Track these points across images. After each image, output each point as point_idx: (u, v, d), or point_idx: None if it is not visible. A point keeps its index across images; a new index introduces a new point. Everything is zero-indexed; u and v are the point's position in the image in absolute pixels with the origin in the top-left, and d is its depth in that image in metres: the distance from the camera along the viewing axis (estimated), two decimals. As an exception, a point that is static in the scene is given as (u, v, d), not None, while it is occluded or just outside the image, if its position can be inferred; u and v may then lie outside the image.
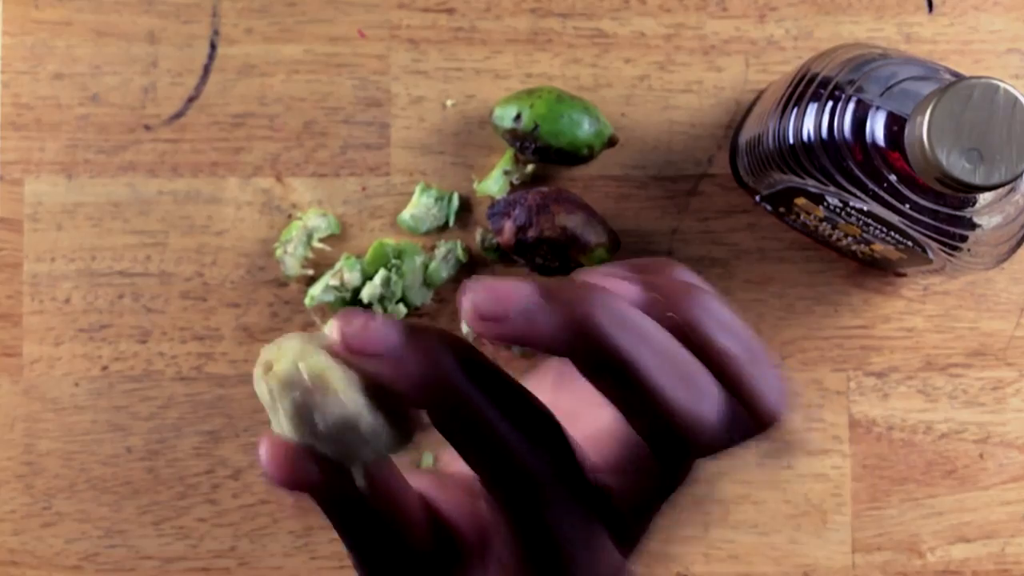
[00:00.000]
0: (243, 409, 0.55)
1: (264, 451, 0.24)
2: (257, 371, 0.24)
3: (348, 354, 0.23)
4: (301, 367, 0.23)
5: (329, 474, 0.24)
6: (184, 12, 0.56)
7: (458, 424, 0.24)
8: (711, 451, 0.26)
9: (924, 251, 0.44)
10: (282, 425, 0.24)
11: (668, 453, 0.26)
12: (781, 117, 0.45)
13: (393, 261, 0.54)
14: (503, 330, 0.23)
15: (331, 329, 0.24)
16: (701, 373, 0.25)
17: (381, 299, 0.54)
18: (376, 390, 0.24)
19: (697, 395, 0.24)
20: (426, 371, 0.23)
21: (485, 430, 0.24)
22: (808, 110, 0.43)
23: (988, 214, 0.42)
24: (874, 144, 0.41)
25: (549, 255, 0.52)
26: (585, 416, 0.28)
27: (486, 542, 0.28)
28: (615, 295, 0.24)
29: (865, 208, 0.43)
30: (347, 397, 0.24)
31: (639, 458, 0.26)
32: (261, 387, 0.24)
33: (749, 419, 0.26)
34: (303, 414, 0.24)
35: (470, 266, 0.55)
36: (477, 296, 0.23)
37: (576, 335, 0.23)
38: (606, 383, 0.24)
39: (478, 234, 0.55)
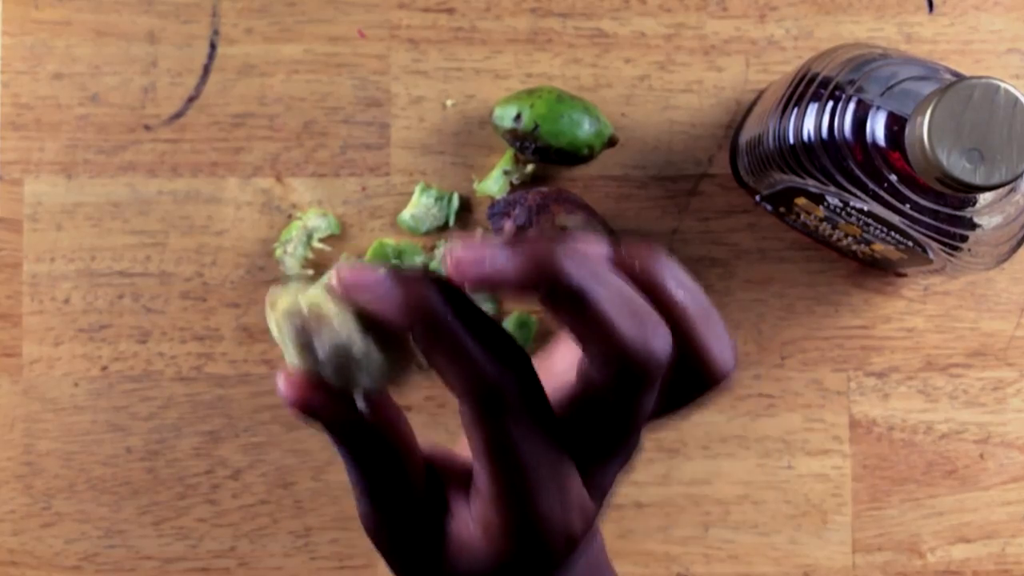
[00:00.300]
0: (243, 409, 0.55)
1: (280, 381, 0.28)
2: (267, 308, 0.28)
3: (344, 291, 0.28)
4: (300, 300, 0.28)
5: (334, 397, 0.28)
6: (184, 12, 0.55)
7: (434, 340, 0.27)
8: (659, 385, 0.28)
9: (924, 251, 0.44)
10: (290, 355, 0.28)
11: (620, 385, 0.28)
12: (781, 117, 0.45)
13: (393, 261, 0.54)
14: (479, 273, 0.27)
15: (330, 275, 0.28)
16: (651, 314, 0.28)
17: (381, 299, 0.54)
18: (368, 322, 0.28)
19: (648, 330, 0.27)
20: (409, 298, 0.27)
21: (459, 347, 0.27)
22: (808, 110, 0.43)
23: (988, 214, 0.42)
24: (874, 144, 0.41)
25: (549, 255, 0.52)
26: (555, 370, 0.32)
27: (468, 478, 0.31)
28: (574, 243, 0.28)
29: (865, 208, 0.43)
30: (340, 326, 0.28)
31: (593, 396, 0.29)
32: (271, 323, 0.28)
33: (697, 374, 0.29)
34: (304, 341, 0.28)
35: (470, 266, 0.55)
36: (455, 250, 0.27)
37: (537, 273, 0.27)
38: (566, 315, 0.27)
39: (478, 234, 0.55)
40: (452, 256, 0.27)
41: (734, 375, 0.29)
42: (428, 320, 0.27)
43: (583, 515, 0.30)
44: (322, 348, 0.28)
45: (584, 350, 0.28)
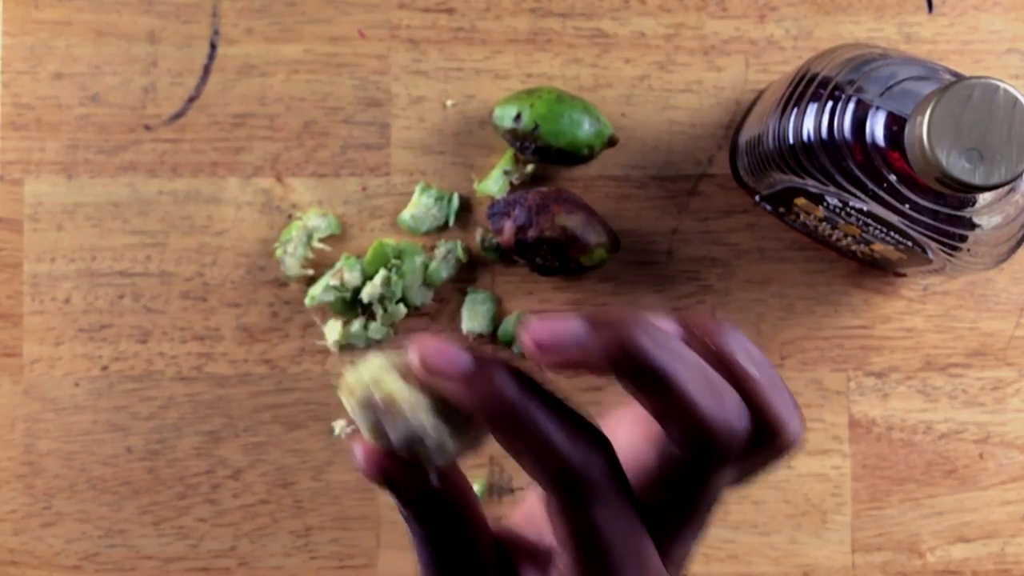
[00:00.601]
0: (243, 409, 0.55)
1: (357, 451, 0.29)
2: (341, 391, 0.29)
3: (423, 374, 0.28)
4: (373, 388, 0.28)
5: (408, 469, 0.29)
6: (184, 12, 0.56)
7: (516, 433, 0.27)
8: (738, 456, 0.29)
9: (924, 251, 0.44)
10: (365, 433, 0.29)
11: (699, 460, 0.28)
12: (781, 117, 0.45)
13: (393, 261, 0.54)
14: (559, 356, 0.27)
15: (408, 351, 0.28)
16: (729, 389, 0.28)
17: (381, 299, 0.54)
18: (443, 405, 0.28)
19: (725, 405, 0.28)
20: (490, 389, 0.27)
21: (540, 438, 0.27)
22: (808, 110, 0.43)
23: (988, 214, 0.42)
24: (874, 144, 0.41)
25: (549, 255, 0.52)
26: (621, 443, 0.32)
27: (545, 554, 0.31)
28: (650, 321, 0.28)
29: (865, 208, 0.43)
30: (413, 416, 0.28)
31: (672, 472, 0.29)
32: (344, 403, 0.29)
33: (766, 438, 0.29)
34: (378, 429, 0.29)
35: (470, 266, 0.55)
36: (534, 330, 0.28)
37: (619, 353, 0.27)
38: (645, 394, 0.28)
39: (478, 234, 0.55)
40: (531, 335, 0.27)
41: (799, 437, 0.30)
42: (506, 412, 0.27)
43: None
44: (394, 434, 0.28)
45: (662, 425, 0.28)
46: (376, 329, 0.54)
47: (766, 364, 0.30)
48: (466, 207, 0.55)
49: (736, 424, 0.28)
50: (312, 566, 0.54)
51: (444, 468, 0.29)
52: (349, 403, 0.29)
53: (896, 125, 0.41)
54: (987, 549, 0.55)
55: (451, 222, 0.55)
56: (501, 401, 0.27)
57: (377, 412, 0.28)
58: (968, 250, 0.43)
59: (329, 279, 0.54)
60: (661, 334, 0.28)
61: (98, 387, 0.55)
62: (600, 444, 0.28)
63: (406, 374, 0.29)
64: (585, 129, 0.53)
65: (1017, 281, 0.55)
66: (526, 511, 0.34)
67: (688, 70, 0.56)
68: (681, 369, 0.27)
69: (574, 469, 0.27)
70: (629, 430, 0.33)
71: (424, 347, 0.28)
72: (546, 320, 0.28)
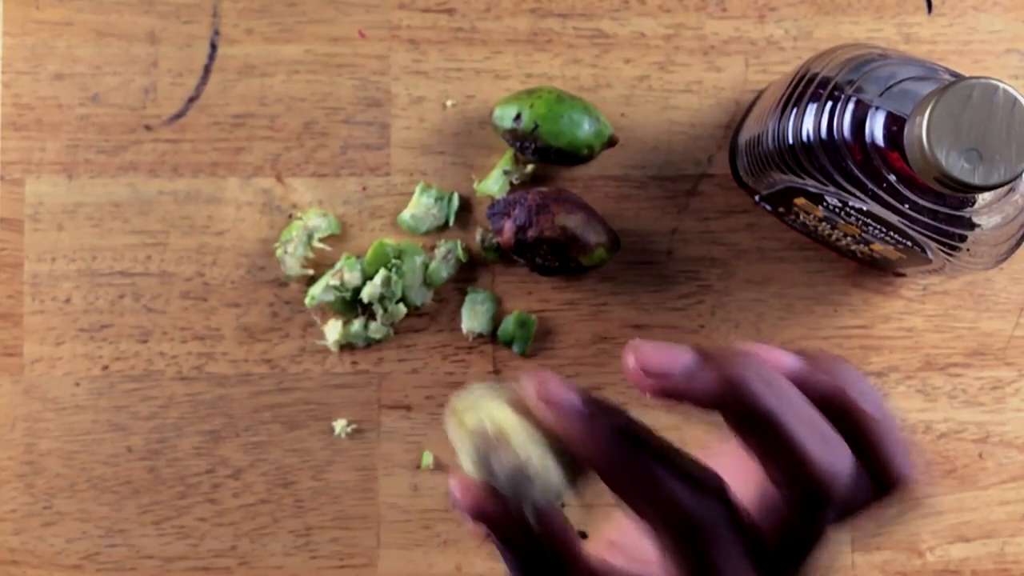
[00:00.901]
0: (243, 409, 0.55)
1: (454, 486, 0.29)
2: (448, 418, 0.29)
3: (540, 407, 0.27)
4: (486, 420, 0.28)
5: (505, 507, 0.29)
6: (184, 12, 0.56)
7: (632, 482, 0.27)
8: (843, 503, 0.28)
9: (923, 251, 0.44)
10: (466, 464, 0.29)
11: (804, 506, 0.28)
12: (781, 117, 0.45)
13: (393, 261, 0.54)
14: (665, 385, 0.27)
15: (524, 384, 0.28)
16: (835, 435, 0.28)
17: (381, 299, 0.54)
18: (552, 441, 0.28)
19: (832, 451, 0.27)
20: (605, 433, 0.27)
21: (658, 486, 0.27)
22: (808, 110, 0.43)
23: (987, 214, 0.42)
24: (873, 144, 0.41)
25: (549, 255, 0.52)
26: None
27: None
28: (763, 361, 0.28)
29: (864, 208, 0.43)
30: (521, 450, 0.28)
31: (778, 514, 0.29)
32: (450, 431, 0.29)
33: (880, 482, 0.29)
34: (484, 459, 0.28)
35: (470, 266, 0.55)
36: (642, 354, 0.27)
37: (728, 392, 0.27)
38: (752, 436, 0.27)
39: (478, 234, 0.55)
40: (639, 359, 0.27)
41: (914, 481, 0.30)
42: (623, 461, 0.27)
43: None
44: (499, 466, 0.28)
45: (765, 468, 0.28)
46: (376, 329, 0.54)
47: (879, 401, 0.29)
48: (466, 207, 0.55)
49: (842, 471, 0.27)
50: (312, 565, 0.55)
51: (546, 509, 0.29)
52: (456, 431, 0.29)
53: (895, 125, 0.41)
54: (986, 549, 0.55)
55: (451, 222, 0.55)
56: (616, 447, 0.27)
57: (486, 443, 0.28)
58: (967, 250, 0.43)
59: (329, 279, 0.54)
60: (773, 376, 0.27)
61: (98, 387, 0.55)
62: (718, 489, 0.28)
63: (517, 408, 0.28)
64: (585, 129, 0.53)
65: (1016, 281, 0.55)
66: (612, 536, 0.34)
67: (688, 70, 0.56)
68: (790, 414, 0.27)
69: (694, 518, 0.27)
70: (728, 470, 0.32)
71: (542, 382, 0.28)
72: (657, 346, 0.27)
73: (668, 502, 0.27)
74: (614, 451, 0.27)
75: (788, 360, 0.29)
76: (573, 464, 0.28)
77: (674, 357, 0.27)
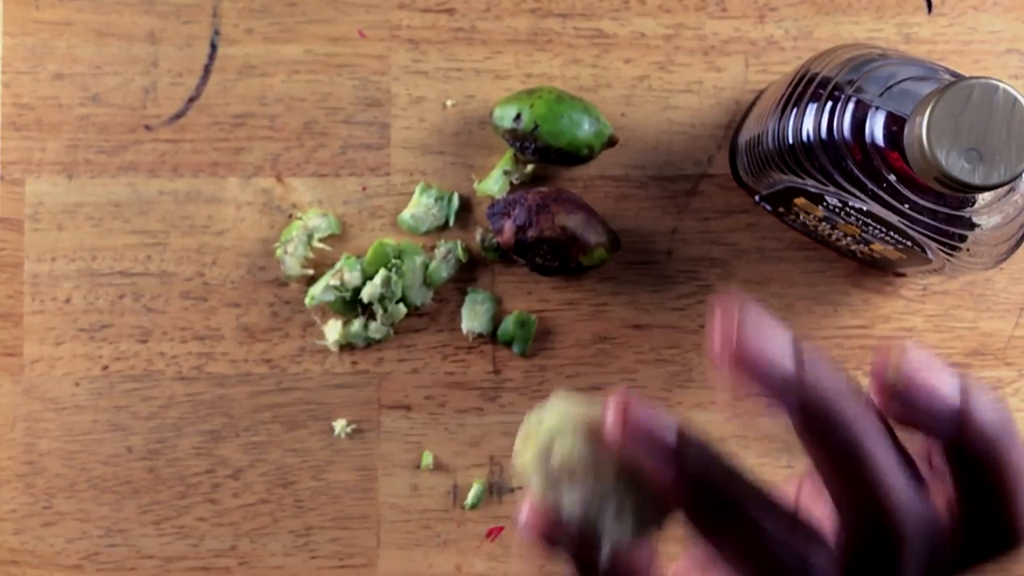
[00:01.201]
0: (243, 409, 0.55)
1: (523, 512, 0.27)
2: (520, 445, 0.26)
3: (619, 439, 0.25)
4: (557, 447, 0.26)
5: (578, 545, 0.26)
6: (184, 12, 0.56)
7: (723, 525, 0.25)
8: (921, 552, 0.25)
9: (923, 251, 0.45)
10: (536, 486, 0.26)
11: (876, 553, 0.25)
12: (780, 117, 0.45)
13: (393, 261, 0.54)
14: (749, 375, 0.24)
15: (606, 408, 0.25)
16: (920, 480, 0.25)
17: (381, 299, 0.54)
18: (630, 475, 0.25)
19: (913, 494, 0.25)
20: (696, 470, 0.24)
21: (759, 533, 0.25)
22: (807, 110, 0.43)
23: (987, 214, 0.42)
24: (873, 144, 0.41)
25: (549, 255, 0.52)
26: None
27: None
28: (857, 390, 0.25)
29: (864, 208, 0.43)
30: (591, 485, 0.25)
31: (852, 565, 0.26)
32: (520, 459, 0.26)
33: (997, 537, 0.26)
34: (554, 490, 0.26)
35: (470, 266, 0.55)
36: (742, 337, 0.24)
37: (814, 404, 0.25)
38: (826, 461, 0.25)
39: (478, 234, 0.55)
40: (734, 341, 0.24)
41: None
42: (716, 503, 0.24)
43: None
44: (567, 500, 0.26)
45: (838, 508, 0.26)
46: (376, 329, 0.54)
47: (1019, 448, 0.26)
48: (466, 207, 0.55)
49: (926, 517, 0.25)
50: (312, 565, 0.55)
51: (618, 550, 0.26)
52: (525, 452, 0.26)
53: (895, 125, 0.41)
54: (986, 549, 0.55)
55: (451, 222, 0.55)
56: (706, 486, 0.24)
57: (551, 474, 0.26)
58: (967, 250, 0.43)
59: (329, 279, 0.54)
60: (863, 408, 0.25)
61: (98, 387, 0.55)
62: (816, 536, 0.25)
63: (595, 431, 0.26)
64: (585, 129, 0.53)
65: (1016, 281, 0.55)
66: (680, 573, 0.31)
67: (688, 70, 0.56)
68: (874, 446, 0.24)
69: (798, 568, 0.25)
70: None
71: (625, 409, 0.25)
72: (758, 330, 0.24)
73: (769, 552, 0.25)
74: (704, 490, 0.24)
75: (948, 391, 0.25)
76: (653, 501, 0.26)
77: (774, 348, 0.24)
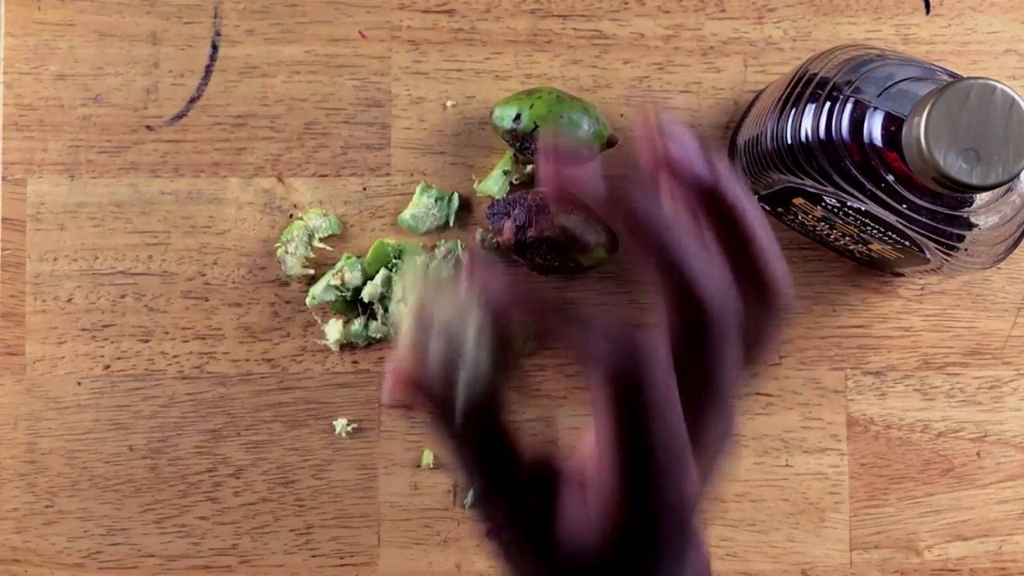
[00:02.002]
0: (244, 408, 0.55)
1: (388, 370, 0.30)
2: (396, 284, 0.28)
3: (552, 164, 0.30)
4: (433, 292, 0.29)
5: (438, 392, 0.30)
6: (186, 13, 0.56)
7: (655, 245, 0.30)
8: (730, 313, 0.30)
9: (921, 251, 0.45)
10: (404, 338, 0.29)
11: (701, 328, 0.30)
12: (779, 118, 0.45)
13: (394, 261, 0.54)
14: (567, 185, 0.30)
15: (540, 140, 0.29)
16: (720, 261, 0.31)
17: (382, 298, 0.54)
18: (487, 325, 0.29)
19: (718, 275, 0.30)
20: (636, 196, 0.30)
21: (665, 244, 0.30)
22: (806, 111, 0.43)
23: (985, 214, 0.42)
24: (871, 144, 0.42)
25: (549, 255, 0.52)
26: None
27: (584, 477, 0.32)
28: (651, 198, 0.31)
29: (863, 208, 0.43)
30: (452, 333, 0.28)
31: (685, 343, 0.31)
32: (396, 287, 0.29)
33: (763, 295, 0.32)
34: (420, 336, 0.29)
35: (470, 266, 0.55)
36: (554, 144, 0.30)
37: (618, 204, 0.30)
38: (642, 243, 0.30)
39: (478, 234, 0.55)
40: (546, 146, 0.30)
41: (790, 293, 0.33)
42: (647, 224, 0.30)
43: (698, 501, 0.31)
44: (435, 347, 0.29)
45: (666, 299, 0.31)
46: (377, 328, 0.54)
47: (766, 224, 0.32)
48: (466, 207, 0.55)
49: (728, 291, 0.30)
50: (313, 564, 0.55)
51: (470, 402, 0.30)
52: (401, 289, 0.29)
53: (894, 126, 0.41)
54: (984, 547, 0.55)
55: (451, 222, 0.55)
56: (640, 211, 0.30)
57: (423, 320, 0.29)
58: (965, 250, 0.43)
59: (330, 279, 0.54)
60: (656, 200, 0.30)
61: (100, 386, 0.55)
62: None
63: (459, 283, 0.29)
64: (584, 129, 0.53)
65: (1014, 281, 0.56)
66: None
67: (687, 71, 0.56)
68: (681, 236, 0.30)
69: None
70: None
71: (549, 143, 0.30)
72: (576, 167, 0.30)
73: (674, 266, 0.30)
74: (640, 214, 0.30)
75: (698, 169, 0.32)
76: (506, 349, 0.29)
77: (584, 175, 0.30)
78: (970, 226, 0.42)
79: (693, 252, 0.30)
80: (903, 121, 0.40)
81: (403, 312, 0.29)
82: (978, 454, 0.55)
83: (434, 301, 0.29)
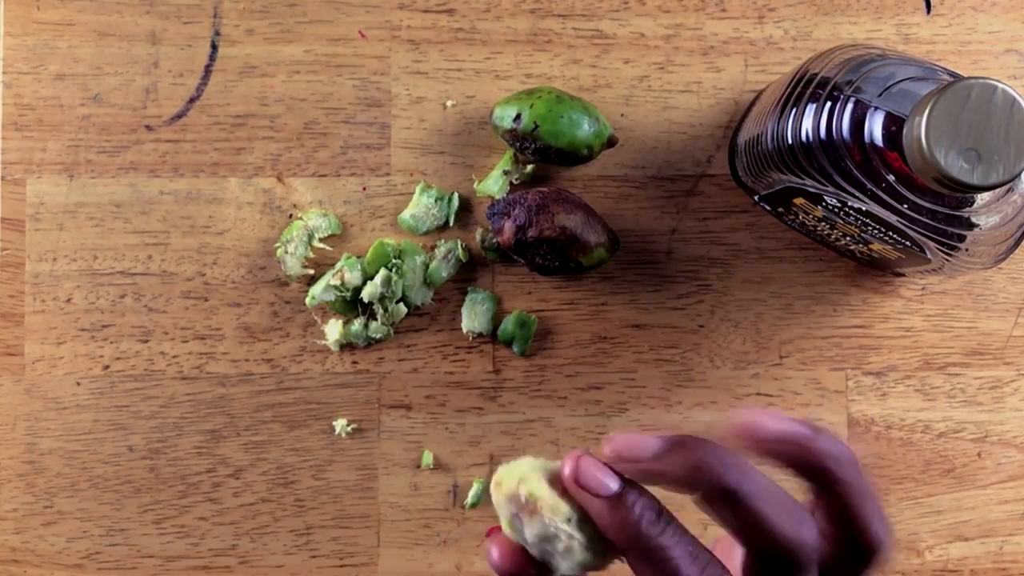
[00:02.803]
0: (244, 408, 0.55)
1: (491, 547, 0.32)
2: (493, 485, 0.32)
3: (571, 487, 0.31)
4: (521, 488, 0.31)
5: (536, 571, 0.32)
6: (185, 13, 0.56)
7: (648, 562, 0.30)
8: (811, 565, 0.31)
9: (922, 251, 0.45)
10: (505, 526, 0.32)
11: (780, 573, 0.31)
12: (780, 117, 0.45)
13: (393, 261, 0.54)
14: (639, 468, 0.31)
15: (563, 462, 0.31)
16: (798, 506, 0.31)
17: (382, 298, 0.54)
18: (584, 519, 0.31)
19: (796, 521, 0.31)
20: (628, 517, 0.30)
21: (673, 569, 0.30)
22: (807, 110, 0.43)
23: (986, 214, 0.42)
24: (872, 144, 0.42)
25: (549, 255, 0.52)
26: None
27: None
28: (722, 447, 0.31)
29: (863, 208, 0.43)
30: (550, 520, 0.31)
31: None
32: (494, 495, 0.32)
33: (858, 548, 0.32)
34: (516, 524, 0.32)
35: (470, 266, 0.55)
36: (614, 445, 0.31)
37: (694, 470, 0.30)
38: (723, 511, 0.31)
39: (478, 234, 0.55)
40: (612, 447, 0.31)
41: (891, 550, 0.33)
42: (640, 542, 0.30)
43: None
44: (529, 532, 0.31)
45: (742, 543, 0.31)
46: (376, 329, 0.54)
47: (861, 474, 0.32)
48: (466, 207, 0.55)
49: (805, 538, 0.31)
50: (312, 564, 0.55)
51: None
52: (495, 495, 0.32)
53: (894, 125, 0.41)
54: (985, 548, 0.55)
55: (451, 222, 0.55)
56: (637, 531, 0.30)
57: (517, 508, 0.31)
58: (966, 250, 0.43)
59: (330, 279, 0.54)
60: (728, 454, 0.31)
61: (99, 386, 0.55)
62: (721, 567, 0.31)
63: (555, 481, 0.31)
64: (585, 129, 0.53)
65: (1015, 281, 0.56)
66: None
67: (687, 71, 0.56)
68: (751, 487, 0.30)
69: None
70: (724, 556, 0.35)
71: (578, 463, 0.31)
72: (628, 436, 0.31)
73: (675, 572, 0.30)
74: (634, 533, 0.30)
75: (772, 422, 0.32)
76: (600, 540, 0.31)
77: (642, 443, 0.31)
78: (971, 226, 0.42)
79: (769, 492, 0.31)
80: (904, 121, 0.40)
81: (498, 502, 0.32)
82: (979, 455, 0.55)
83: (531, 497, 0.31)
